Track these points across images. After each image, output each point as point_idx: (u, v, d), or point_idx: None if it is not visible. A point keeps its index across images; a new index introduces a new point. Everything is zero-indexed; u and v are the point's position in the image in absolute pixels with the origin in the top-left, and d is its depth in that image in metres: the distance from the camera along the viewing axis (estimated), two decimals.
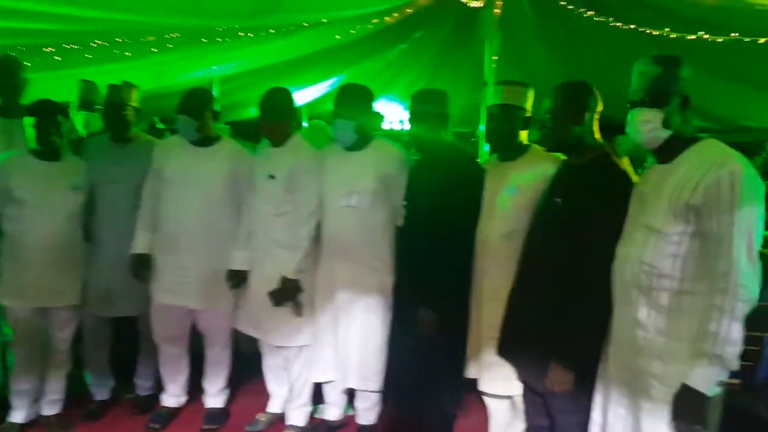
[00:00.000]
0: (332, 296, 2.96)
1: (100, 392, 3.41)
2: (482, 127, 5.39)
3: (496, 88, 2.63)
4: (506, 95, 2.55)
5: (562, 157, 2.40)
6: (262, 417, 3.27)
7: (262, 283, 2.97)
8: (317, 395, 3.20)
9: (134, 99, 3.24)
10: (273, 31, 6.07)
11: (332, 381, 3.08)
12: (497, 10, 5.76)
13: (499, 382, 2.57)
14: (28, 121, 2.90)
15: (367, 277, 2.91)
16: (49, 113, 2.92)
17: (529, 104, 2.59)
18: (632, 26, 5.72)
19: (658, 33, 5.63)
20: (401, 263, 2.91)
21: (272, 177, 2.96)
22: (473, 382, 2.68)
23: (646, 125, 1.92)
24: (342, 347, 2.97)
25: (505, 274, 2.46)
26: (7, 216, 2.94)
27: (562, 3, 5.83)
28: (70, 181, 3.01)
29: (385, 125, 8.64)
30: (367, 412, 3.11)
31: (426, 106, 2.80)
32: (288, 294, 2.92)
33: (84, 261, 3.14)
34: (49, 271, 2.95)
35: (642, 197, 2.02)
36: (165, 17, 5.14)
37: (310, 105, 8.60)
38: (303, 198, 2.94)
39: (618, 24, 5.76)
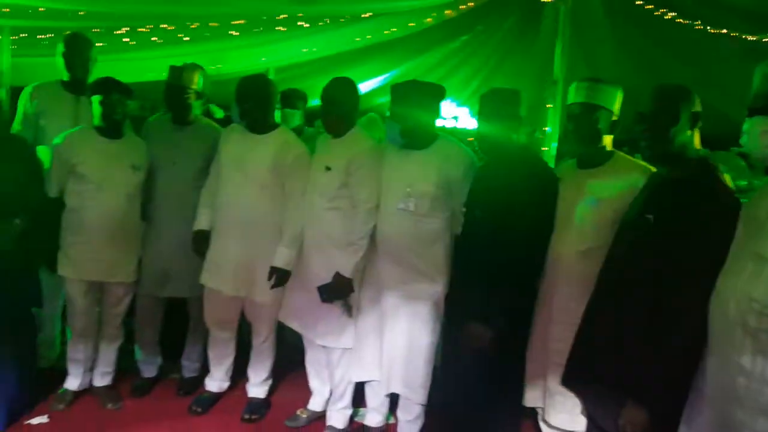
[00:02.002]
0: (379, 299, 2.88)
1: (148, 369, 3.51)
2: (549, 129, 5.17)
3: (578, 85, 2.43)
4: (590, 93, 2.37)
5: (653, 168, 2.24)
6: (302, 413, 3.23)
7: (310, 277, 2.94)
8: (360, 398, 3.16)
9: (196, 82, 3.26)
10: (328, 21, 6.07)
11: (373, 381, 2.99)
12: (567, 5, 5.54)
13: (562, 415, 2.38)
14: (96, 98, 2.99)
15: (417, 284, 2.78)
16: (115, 92, 2.99)
17: (616, 106, 2.40)
18: (723, 30, 5.41)
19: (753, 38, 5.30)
20: (457, 273, 2.75)
21: (328, 168, 2.90)
22: (531, 411, 2.57)
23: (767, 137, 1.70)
24: (387, 351, 2.85)
25: (579, 295, 2.28)
26: (70, 191, 3.03)
27: (638, 2, 5.56)
28: (130, 160, 3.08)
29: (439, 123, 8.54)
30: (409, 424, 2.95)
31: (497, 107, 2.60)
32: (339, 292, 2.85)
33: (141, 240, 3.22)
34: (106, 247, 3.03)
35: (754, 222, 1.74)
36: (227, 5, 5.22)
37: (363, 97, 8.59)
38: (359, 193, 2.84)
39: (700, 26, 5.46)
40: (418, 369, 2.81)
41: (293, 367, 3.57)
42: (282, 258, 2.98)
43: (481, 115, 2.67)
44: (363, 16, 6.01)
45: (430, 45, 7.76)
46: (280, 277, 2.99)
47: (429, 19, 6.67)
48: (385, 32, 7.04)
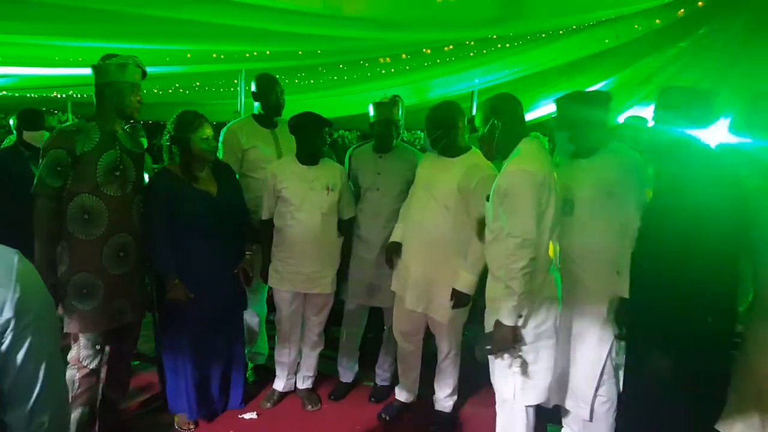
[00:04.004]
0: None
1: (346, 375, 3.76)
2: None
3: None
4: None
5: None
6: None
7: None
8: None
9: (398, 114, 3.49)
10: (522, 41, 6.00)
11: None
12: None
13: None
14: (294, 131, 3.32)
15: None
16: (312, 126, 3.29)
17: None
18: None
19: None
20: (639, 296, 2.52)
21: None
22: None
23: None
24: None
25: None
26: (278, 212, 3.37)
27: None
28: (325, 182, 3.34)
29: None
30: None
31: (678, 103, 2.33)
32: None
33: (348, 256, 3.50)
34: (307, 261, 3.32)
35: None
36: (412, 33, 5.43)
37: None
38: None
39: None
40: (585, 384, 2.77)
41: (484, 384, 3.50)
42: (463, 282, 2.99)
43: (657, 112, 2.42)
44: (560, 31, 5.82)
45: (649, 51, 7.21)
46: (460, 300, 3.00)
47: (640, 27, 6.23)
48: (596, 43, 6.75)
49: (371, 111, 3.48)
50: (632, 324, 2.57)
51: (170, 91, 7.53)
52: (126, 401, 3.29)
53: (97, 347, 2.81)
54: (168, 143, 3.03)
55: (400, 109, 3.51)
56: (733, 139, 2.60)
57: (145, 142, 6.42)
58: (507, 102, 2.59)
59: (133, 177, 2.87)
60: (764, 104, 2.32)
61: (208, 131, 3.00)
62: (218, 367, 3.29)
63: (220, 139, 3.60)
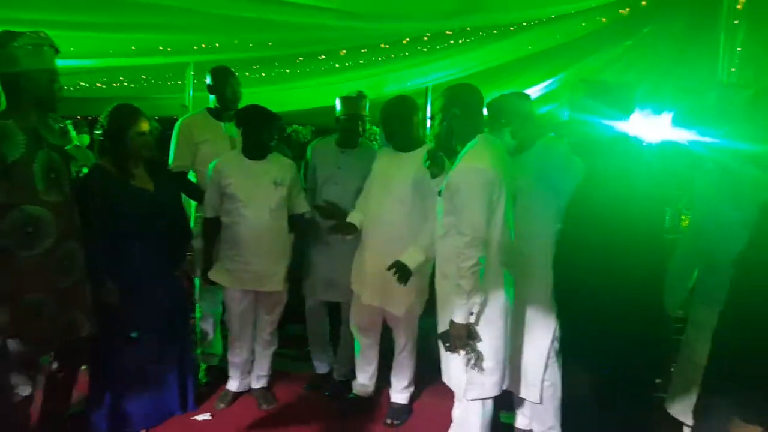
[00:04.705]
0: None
1: (321, 366, 3.76)
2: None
3: None
4: None
5: None
6: None
7: None
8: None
9: (365, 109, 3.45)
10: (475, 38, 6.05)
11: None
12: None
13: None
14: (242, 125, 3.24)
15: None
16: (258, 119, 3.21)
17: None
18: None
19: None
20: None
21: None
22: None
23: None
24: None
25: None
26: (224, 210, 3.27)
27: None
28: (273, 177, 3.26)
29: None
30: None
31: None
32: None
33: (309, 252, 3.47)
34: (257, 258, 3.24)
35: None
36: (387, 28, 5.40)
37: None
38: None
39: None
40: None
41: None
42: (409, 255, 2.92)
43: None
44: (511, 27, 5.89)
45: (594, 50, 7.38)
46: (401, 272, 2.89)
47: (586, 24, 6.37)
48: (548, 39, 6.85)
49: (338, 105, 3.45)
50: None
51: (115, 84, 7.28)
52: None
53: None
54: (101, 138, 2.87)
55: (366, 104, 3.47)
56: (677, 133, 2.68)
57: (87, 138, 6.20)
58: (468, 92, 2.59)
59: (67, 175, 2.62)
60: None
61: (145, 126, 2.87)
62: (165, 371, 3.14)
63: (174, 132, 3.52)
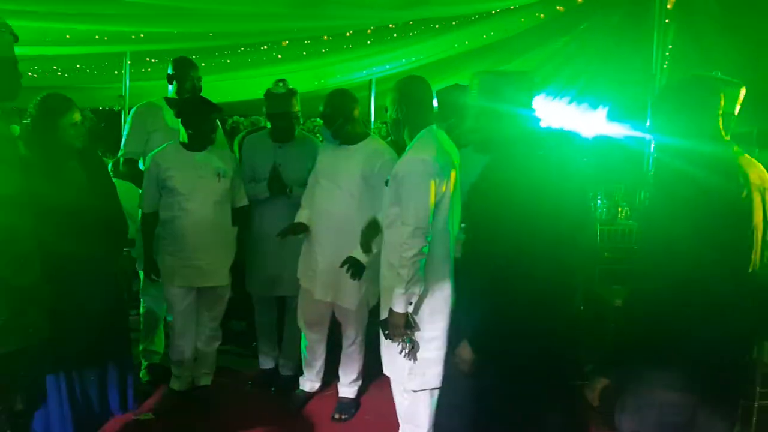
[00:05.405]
0: None
1: (266, 362, 3.73)
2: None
3: None
4: None
5: None
6: None
7: None
8: None
9: (297, 105, 3.40)
10: (418, 31, 6.09)
11: None
12: None
13: None
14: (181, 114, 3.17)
15: None
16: (196, 110, 3.15)
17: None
18: None
19: None
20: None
21: None
22: None
23: None
24: None
25: None
26: (164, 204, 3.19)
27: None
28: (215, 169, 3.19)
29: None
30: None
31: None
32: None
33: (250, 248, 3.41)
34: (200, 253, 3.18)
35: None
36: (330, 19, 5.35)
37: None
38: None
39: None
40: None
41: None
42: (361, 252, 2.93)
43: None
44: (453, 22, 5.96)
45: (532, 45, 7.56)
46: (353, 268, 2.90)
47: (525, 20, 6.51)
48: (483, 36, 6.96)
49: (267, 101, 3.38)
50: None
51: (47, 74, 6.96)
52: None
53: None
54: (29, 129, 2.72)
55: (297, 101, 3.42)
56: (613, 128, 2.75)
57: (17, 129, 5.91)
58: (418, 86, 2.61)
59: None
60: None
61: (77, 116, 2.75)
62: (102, 370, 2.96)
63: (128, 119, 3.48)
